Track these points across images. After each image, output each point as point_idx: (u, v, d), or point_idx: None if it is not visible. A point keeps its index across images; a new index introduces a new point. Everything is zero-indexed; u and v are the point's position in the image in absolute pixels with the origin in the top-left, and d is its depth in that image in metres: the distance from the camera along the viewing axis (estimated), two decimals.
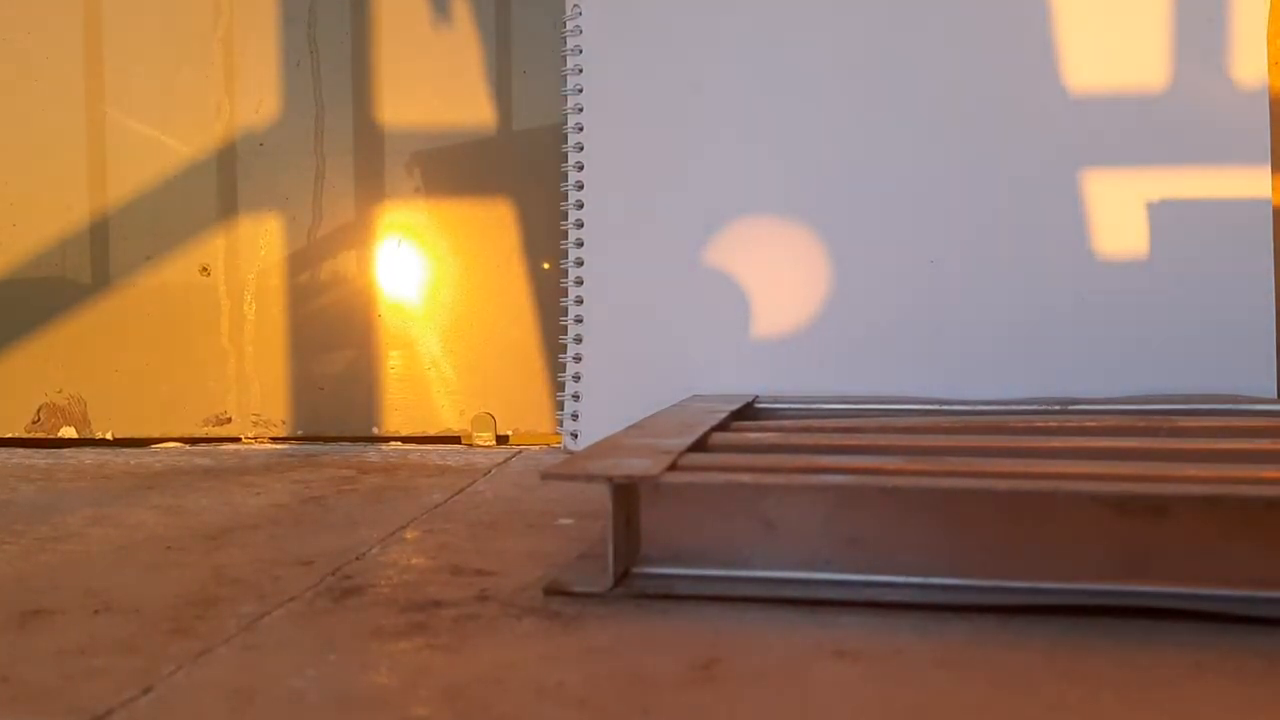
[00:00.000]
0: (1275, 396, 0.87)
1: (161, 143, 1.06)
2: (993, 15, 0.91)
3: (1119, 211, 0.90)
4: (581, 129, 0.95)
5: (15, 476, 0.86)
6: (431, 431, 1.06)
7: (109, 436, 1.07)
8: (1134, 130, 0.90)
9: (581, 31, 0.95)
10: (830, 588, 0.46)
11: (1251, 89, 0.89)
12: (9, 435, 1.07)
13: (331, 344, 1.06)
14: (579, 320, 0.95)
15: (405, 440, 1.07)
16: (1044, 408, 0.80)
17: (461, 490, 0.77)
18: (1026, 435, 0.65)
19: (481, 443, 1.05)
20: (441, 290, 1.06)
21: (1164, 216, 0.89)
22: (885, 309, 0.91)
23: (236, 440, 1.08)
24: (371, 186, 1.06)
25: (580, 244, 0.95)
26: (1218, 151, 0.89)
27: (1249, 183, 0.89)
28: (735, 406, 0.76)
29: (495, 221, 1.05)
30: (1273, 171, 0.89)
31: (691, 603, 0.46)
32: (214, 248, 1.07)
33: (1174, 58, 0.89)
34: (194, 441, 1.08)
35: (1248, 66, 0.89)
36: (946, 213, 0.91)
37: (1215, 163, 0.89)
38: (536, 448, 1.04)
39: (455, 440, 1.07)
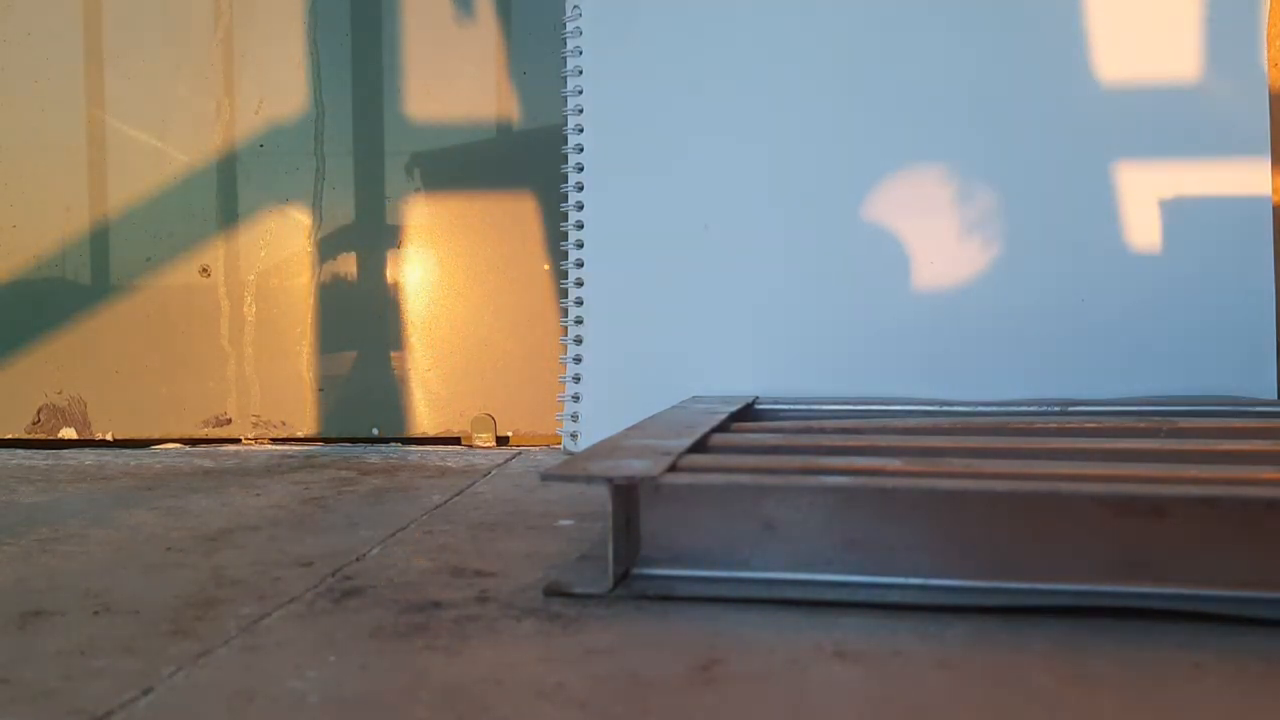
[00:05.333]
0: (1275, 397, 0.87)
1: (161, 144, 1.06)
2: (992, 16, 0.91)
3: (1119, 212, 0.90)
4: (581, 129, 0.95)
5: (15, 477, 0.86)
6: (431, 432, 1.06)
7: (109, 437, 1.07)
8: (1134, 131, 0.90)
9: (581, 32, 0.95)
10: (830, 589, 0.46)
11: (1251, 89, 0.89)
12: (9, 436, 1.07)
13: (332, 345, 1.06)
14: (579, 320, 0.95)
15: (405, 441, 1.07)
16: (1044, 409, 0.80)
17: (461, 491, 0.77)
18: (1026, 436, 0.65)
19: (481, 444, 1.05)
20: (441, 291, 1.06)
21: (1164, 217, 0.89)
22: (885, 310, 0.91)
23: (236, 441, 1.08)
24: (372, 187, 1.06)
25: (580, 244, 0.95)
26: (1218, 151, 0.89)
27: (1249, 182, 0.89)
28: (735, 408, 0.76)
29: (495, 222, 1.05)
30: (1273, 171, 0.89)
31: (691, 604, 0.46)
32: (214, 249, 1.07)
33: (1174, 58, 0.89)
34: (194, 443, 1.08)
35: (1248, 66, 0.89)
36: (945, 214, 0.91)
37: (1215, 162, 0.89)
38: (536, 449, 1.04)
39: (455, 441, 1.07)
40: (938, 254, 0.91)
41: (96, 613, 0.46)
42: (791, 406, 0.83)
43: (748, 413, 0.80)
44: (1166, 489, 0.45)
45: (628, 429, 0.63)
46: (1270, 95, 0.89)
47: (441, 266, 1.06)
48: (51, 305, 1.07)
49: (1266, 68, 0.89)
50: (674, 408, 0.78)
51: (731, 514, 0.47)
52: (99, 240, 1.07)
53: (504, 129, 1.05)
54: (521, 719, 0.33)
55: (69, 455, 1.00)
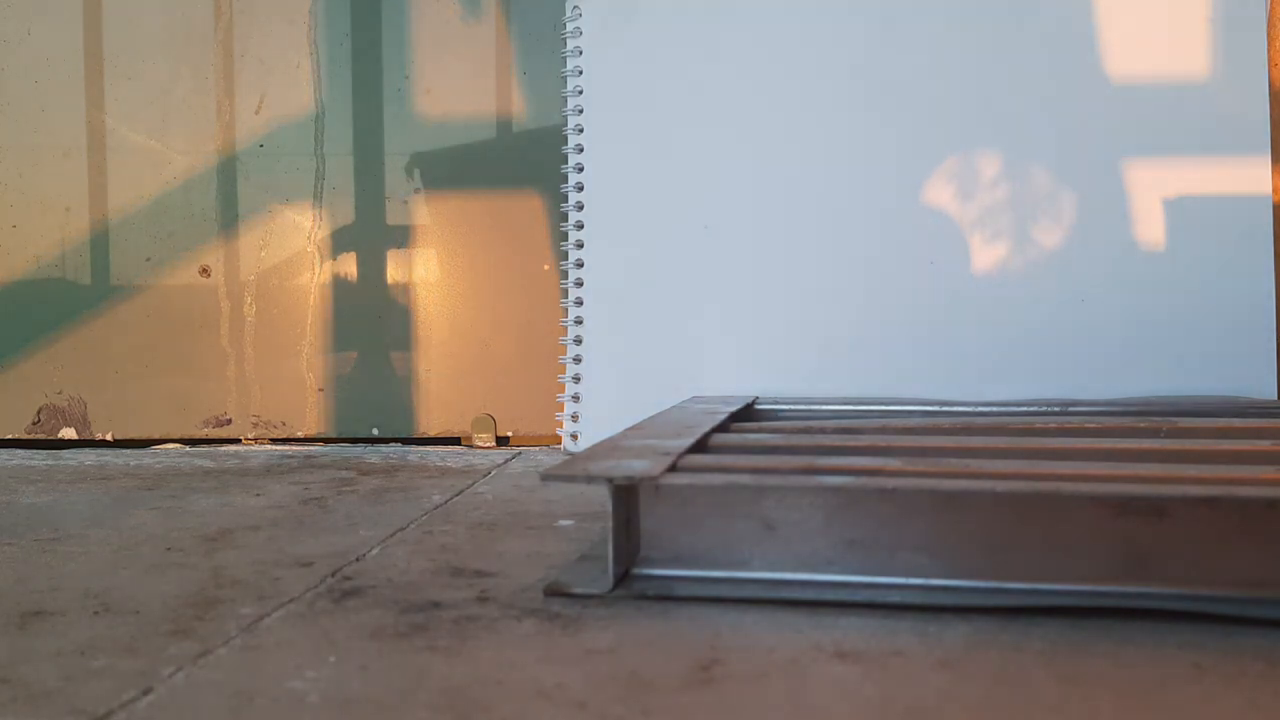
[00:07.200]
0: (1275, 397, 0.87)
1: (161, 144, 1.06)
2: (994, 14, 0.91)
3: (1119, 211, 0.90)
4: (581, 129, 0.95)
5: (15, 478, 0.86)
6: (431, 433, 1.06)
7: (109, 438, 1.07)
8: (1134, 131, 0.90)
9: (581, 32, 0.95)
10: (830, 589, 0.46)
11: (1251, 89, 0.89)
12: (9, 436, 1.07)
13: (332, 345, 1.06)
14: (579, 320, 0.95)
15: (405, 441, 1.07)
16: (1044, 409, 0.80)
17: (461, 491, 0.77)
18: (1026, 437, 0.65)
19: (481, 444, 1.05)
20: (441, 291, 1.06)
21: (1164, 216, 0.89)
22: (885, 310, 0.91)
23: (236, 441, 1.08)
24: (372, 188, 1.06)
25: (580, 244, 0.95)
26: (1218, 151, 0.89)
27: (1249, 183, 0.89)
28: (735, 408, 0.76)
29: (495, 222, 1.05)
30: (1273, 171, 0.89)
31: (691, 604, 0.46)
32: (214, 249, 1.07)
33: (1176, 57, 0.89)
34: (194, 443, 1.08)
35: (1249, 65, 0.89)
36: (945, 214, 0.91)
37: (1215, 162, 0.89)
38: (536, 449, 1.04)
39: (455, 441, 1.07)
40: (938, 253, 0.91)
41: (96, 613, 0.46)
42: (791, 406, 0.83)
43: (748, 413, 0.80)
44: (1166, 489, 0.45)
45: (628, 429, 0.63)
46: (1271, 95, 0.89)
47: (442, 267, 1.06)
48: (51, 305, 1.07)
49: (1268, 67, 0.89)
50: (674, 408, 0.78)
51: (731, 514, 0.47)
52: (99, 240, 1.07)
53: (504, 129, 1.05)
54: (521, 719, 0.33)
55: (69, 455, 1.00)
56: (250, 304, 1.06)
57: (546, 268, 1.05)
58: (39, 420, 1.07)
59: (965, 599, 0.44)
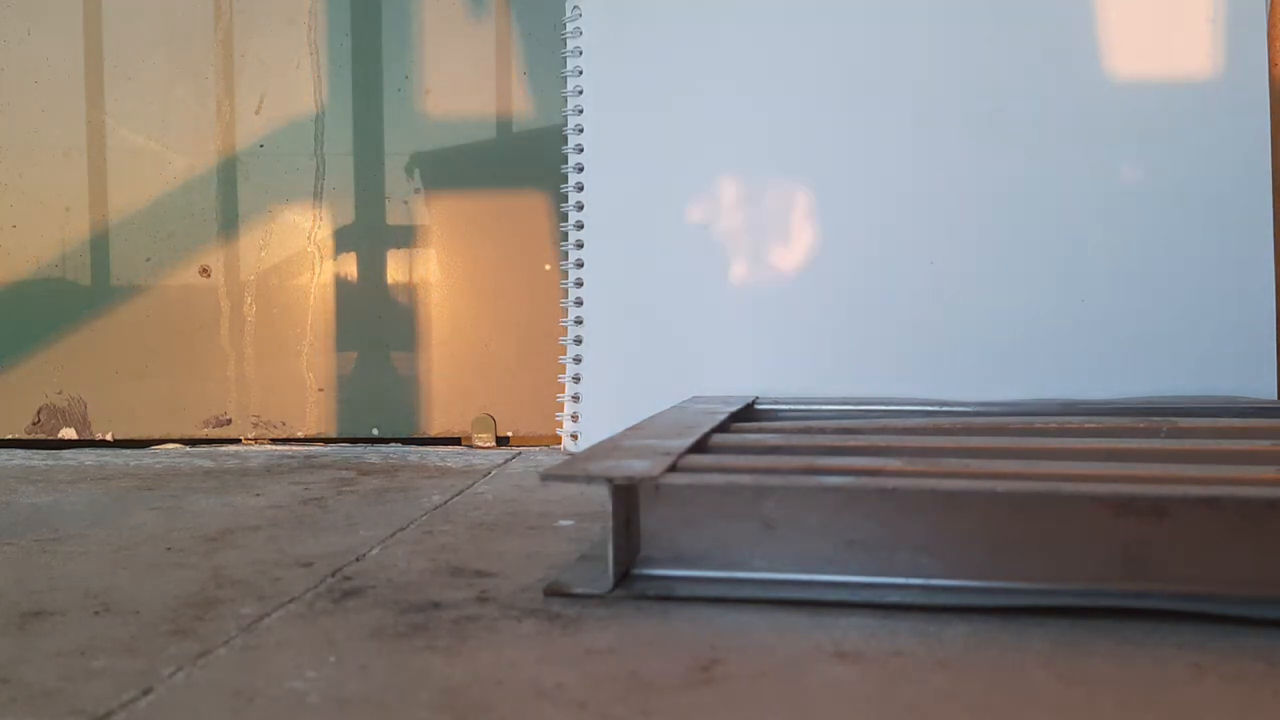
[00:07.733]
0: (1275, 397, 0.87)
1: (161, 144, 1.06)
2: (993, 12, 0.91)
3: (1118, 212, 0.90)
4: (581, 130, 0.95)
5: (15, 478, 0.86)
6: (431, 433, 1.06)
7: (109, 438, 1.07)
8: (1134, 130, 0.90)
9: (581, 32, 0.95)
10: (830, 589, 0.46)
11: (1252, 89, 0.89)
12: (9, 436, 1.07)
13: (332, 345, 1.06)
14: (579, 320, 0.95)
15: (405, 441, 1.07)
16: (1044, 409, 0.80)
17: (461, 492, 0.77)
18: (1026, 437, 0.65)
19: (481, 444, 1.05)
20: (441, 291, 1.06)
21: (1165, 216, 0.89)
22: (885, 310, 0.91)
23: (236, 442, 1.08)
24: (372, 188, 1.06)
25: (580, 244, 0.95)
26: (1218, 151, 0.89)
27: (1249, 183, 0.89)
28: (735, 408, 0.76)
29: (495, 222, 1.05)
30: (1273, 172, 0.89)
31: (691, 604, 0.46)
32: (214, 249, 1.07)
33: (1176, 56, 0.89)
34: (194, 443, 1.08)
35: (1250, 64, 0.89)
36: (946, 214, 0.91)
37: (1215, 162, 0.89)
38: (536, 449, 1.04)
39: (455, 441, 1.07)
40: (938, 253, 0.91)
41: (97, 613, 0.46)
42: (791, 406, 0.83)
43: (748, 413, 0.80)
44: (1166, 489, 0.45)
45: (628, 429, 0.63)
46: (1271, 94, 0.89)
47: (442, 267, 1.06)
48: (51, 305, 1.07)
49: (1268, 67, 0.89)
50: (674, 408, 0.78)
51: (731, 514, 0.47)
52: (99, 240, 1.07)
53: (504, 129, 1.05)
54: (521, 719, 0.33)
55: (69, 455, 1.00)
56: (250, 304, 1.06)
57: (547, 268, 1.05)
58: (39, 420, 1.07)
59: (965, 599, 0.44)
